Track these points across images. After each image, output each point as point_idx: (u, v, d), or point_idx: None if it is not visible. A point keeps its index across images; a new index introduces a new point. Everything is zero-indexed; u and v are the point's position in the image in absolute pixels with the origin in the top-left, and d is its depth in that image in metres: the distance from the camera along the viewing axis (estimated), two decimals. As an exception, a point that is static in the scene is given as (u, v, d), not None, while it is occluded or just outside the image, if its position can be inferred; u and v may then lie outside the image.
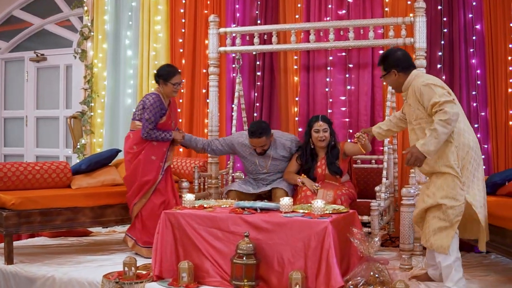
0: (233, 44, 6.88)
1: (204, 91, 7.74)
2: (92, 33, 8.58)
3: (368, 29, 6.34)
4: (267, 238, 4.63)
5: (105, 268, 5.24)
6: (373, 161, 6.71)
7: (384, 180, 5.89)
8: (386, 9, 6.99)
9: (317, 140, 5.94)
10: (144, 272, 4.95)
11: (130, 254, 5.65)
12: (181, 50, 8.00)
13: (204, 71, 7.68)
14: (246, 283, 4.49)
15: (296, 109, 7.40)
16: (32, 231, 6.02)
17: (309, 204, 5.07)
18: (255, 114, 7.48)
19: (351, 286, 4.39)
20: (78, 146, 8.46)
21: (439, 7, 6.70)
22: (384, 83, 4.83)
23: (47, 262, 5.59)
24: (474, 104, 6.52)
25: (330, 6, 7.15)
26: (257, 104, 7.52)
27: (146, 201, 5.83)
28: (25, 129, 9.96)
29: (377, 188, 5.74)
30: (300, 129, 7.25)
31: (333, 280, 4.31)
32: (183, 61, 7.94)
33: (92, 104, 8.52)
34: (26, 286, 5.22)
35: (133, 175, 5.85)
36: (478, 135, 6.26)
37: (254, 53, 7.39)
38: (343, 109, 7.13)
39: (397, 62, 4.68)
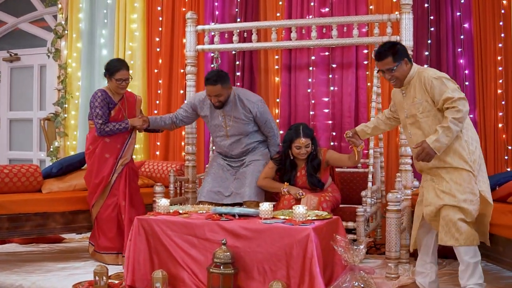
0: (211, 42, 6.62)
1: (182, 92, 7.50)
2: (66, 32, 8.33)
3: (352, 26, 6.13)
4: (246, 246, 4.39)
5: (76, 277, 5.09)
6: (359, 165, 6.48)
7: (369, 184, 5.65)
8: (371, 7, 6.83)
9: (298, 154, 5.61)
10: (116, 282, 4.73)
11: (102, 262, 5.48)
12: (158, 49, 7.79)
13: (182, 71, 7.44)
14: (223, 293, 4.25)
15: (277, 110, 7.20)
16: (0, 238, 5.76)
17: (290, 210, 4.82)
18: (234, 116, 7.23)
19: (335, 297, 4.18)
20: (51, 149, 8.18)
21: (426, 5, 6.56)
22: (389, 77, 4.51)
23: (16, 270, 5.41)
24: (462, 106, 6.33)
25: (312, 4, 6.97)
26: (237, 106, 7.27)
27: (103, 203, 5.69)
28: (-3, 131, 9.69)
29: (363, 193, 5.52)
30: (281, 132, 7.01)
31: (316, 291, 4.08)
32: (160, 61, 7.74)
33: (66, 105, 8.26)
34: (-7, 296, 5.05)
35: (89, 175, 5.76)
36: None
37: (233, 52, 7.17)
38: (326, 110, 6.92)
39: (406, 51, 4.60)
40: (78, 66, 8.24)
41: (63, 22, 8.33)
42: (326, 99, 6.91)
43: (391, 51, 4.50)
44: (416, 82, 4.44)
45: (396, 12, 6.18)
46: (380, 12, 6.62)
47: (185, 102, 6.31)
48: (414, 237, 4.68)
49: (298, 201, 5.40)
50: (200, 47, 6.54)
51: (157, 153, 7.69)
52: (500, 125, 6.30)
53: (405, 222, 5.48)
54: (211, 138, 6.50)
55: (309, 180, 5.61)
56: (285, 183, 5.60)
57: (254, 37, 6.41)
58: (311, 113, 6.94)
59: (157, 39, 7.79)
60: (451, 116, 4.15)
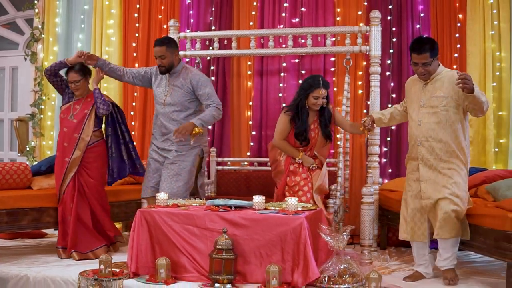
0: (184, 48, 7.04)
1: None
2: (42, 36, 8.56)
3: (324, 36, 6.67)
4: (244, 233, 4.82)
5: (76, 267, 5.33)
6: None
7: (339, 179, 6.15)
8: (338, 18, 7.36)
9: (314, 105, 5.72)
10: (117, 270, 5.03)
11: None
12: (134, 54, 8.11)
13: (158, 75, 7.78)
14: (224, 277, 4.66)
15: (249, 113, 7.65)
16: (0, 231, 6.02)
17: (280, 203, 5.33)
18: (208, 117, 7.64)
19: (325, 278, 4.68)
20: (28, 149, 8.42)
21: (389, 18, 7.14)
22: (422, 70, 4.89)
23: (15, 262, 5.59)
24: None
25: (284, 14, 7.47)
26: (210, 108, 7.68)
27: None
28: (-32, 132, 9.75)
29: (333, 187, 6.03)
30: (254, 133, 7.52)
31: (310, 272, 4.56)
32: (136, 65, 8.02)
33: (42, 107, 8.49)
34: (-2, 286, 5.25)
35: None
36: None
37: (208, 58, 7.56)
38: (296, 113, 7.40)
39: (438, 50, 4.99)
40: (59, 68, 8.48)
41: (39, 26, 8.56)
42: (296, 103, 7.42)
43: (429, 48, 4.84)
44: (445, 80, 4.90)
45: (361, 24, 6.79)
46: (347, 23, 7.20)
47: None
48: (405, 227, 5.16)
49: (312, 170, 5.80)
50: (182, 52, 6.91)
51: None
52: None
53: (373, 214, 6.04)
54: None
55: (323, 131, 5.81)
56: (301, 152, 5.80)
57: (234, 44, 6.83)
58: (282, 115, 7.41)
59: (134, 44, 8.10)
60: (484, 94, 4.71)
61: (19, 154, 8.69)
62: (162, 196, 5.32)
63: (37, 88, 8.50)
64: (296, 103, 5.78)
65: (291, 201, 4.97)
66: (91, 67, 6.16)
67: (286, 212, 4.88)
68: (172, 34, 6.94)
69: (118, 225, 7.75)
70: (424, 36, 5.10)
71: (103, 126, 6.18)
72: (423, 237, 5.06)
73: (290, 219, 4.76)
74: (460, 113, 4.87)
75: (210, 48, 7.06)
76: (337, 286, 4.64)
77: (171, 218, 5.03)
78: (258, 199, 5.10)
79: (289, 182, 5.80)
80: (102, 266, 4.87)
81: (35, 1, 8.62)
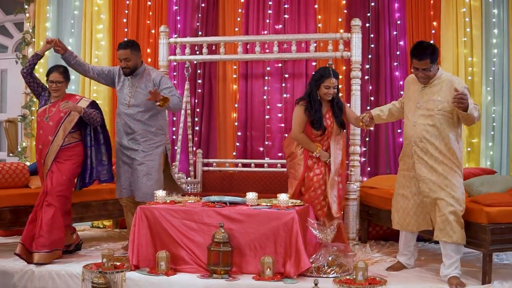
0: (177, 54, 7.34)
1: (146, 97, 8.12)
2: (33, 39, 8.77)
3: (307, 42, 7.04)
4: (240, 227, 5.17)
5: (78, 261, 5.62)
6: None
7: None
8: (319, 25, 7.72)
9: (326, 94, 5.77)
10: (118, 263, 5.29)
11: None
12: (123, 58, 8.34)
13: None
14: (222, 268, 5.01)
15: (235, 115, 7.99)
16: (4, 229, 6.27)
17: (270, 199, 5.67)
18: (196, 119, 8.00)
19: (315, 268, 5.08)
20: (19, 149, 8.64)
21: (367, 25, 7.53)
22: (422, 75, 5.01)
23: (17, 258, 5.73)
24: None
25: (267, 20, 7.82)
26: (198, 110, 8.06)
27: None
28: (-43, 133, 9.90)
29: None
30: (239, 133, 7.86)
31: (302, 263, 4.95)
32: (125, 69, 8.28)
33: (33, 108, 8.69)
34: (4, 280, 5.44)
35: None
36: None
37: (195, 62, 7.86)
38: (280, 115, 7.82)
39: (438, 55, 5.16)
40: (45, 72, 8.61)
41: (30, 30, 8.78)
42: (280, 105, 7.81)
43: (430, 54, 4.95)
44: (444, 84, 5.02)
45: (341, 30, 7.17)
46: (328, 30, 7.57)
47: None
48: (409, 219, 5.29)
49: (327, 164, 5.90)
50: (172, 57, 7.27)
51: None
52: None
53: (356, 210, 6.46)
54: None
55: (337, 120, 5.83)
56: (318, 147, 5.81)
57: (222, 49, 7.17)
58: (267, 117, 7.81)
59: (122, 48, 8.36)
60: (478, 109, 4.85)
61: (10, 155, 8.90)
62: (160, 193, 5.64)
63: (28, 90, 8.70)
64: (308, 94, 5.84)
65: (282, 197, 5.34)
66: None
67: (278, 208, 5.24)
68: (163, 40, 7.25)
69: (108, 223, 8.05)
70: (425, 41, 5.26)
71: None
72: (428, 225, 5.20)
73: (282, 214, 5.12)
74: (455, 118, 4.98)
75: (197, 52, 7.39)
76: (326, 275, 5.04)
77: (170, 213, 5.35)
78: (252, 196, 5.45)
79: (305, 177, 5.86)
80: (104, 260, 5.15)
81: (26, 6, 8.81)
